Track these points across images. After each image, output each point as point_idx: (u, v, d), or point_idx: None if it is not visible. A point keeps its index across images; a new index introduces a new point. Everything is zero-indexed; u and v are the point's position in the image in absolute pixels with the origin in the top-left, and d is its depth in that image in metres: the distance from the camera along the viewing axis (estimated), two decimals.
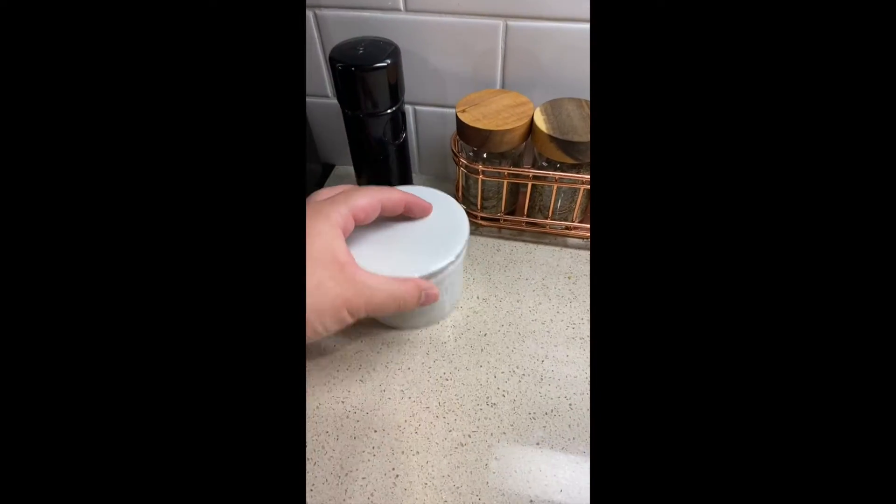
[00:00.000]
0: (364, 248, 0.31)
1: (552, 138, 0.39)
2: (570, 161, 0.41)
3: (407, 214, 0.33)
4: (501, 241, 0.49)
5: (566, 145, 0.39)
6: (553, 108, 0.42)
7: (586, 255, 0.47)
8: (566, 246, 0.48)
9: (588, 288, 0.44)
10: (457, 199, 0.49)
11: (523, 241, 0.49)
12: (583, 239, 0.48)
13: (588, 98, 0.43)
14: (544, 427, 0.35)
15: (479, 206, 0.47)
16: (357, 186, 0.33)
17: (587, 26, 0.41)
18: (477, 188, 0.46)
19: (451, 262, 0.32)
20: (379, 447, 0.34)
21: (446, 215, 0.34)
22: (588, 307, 0.42)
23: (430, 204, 0.34)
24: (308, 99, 0.52)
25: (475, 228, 0.50)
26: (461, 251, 0.32)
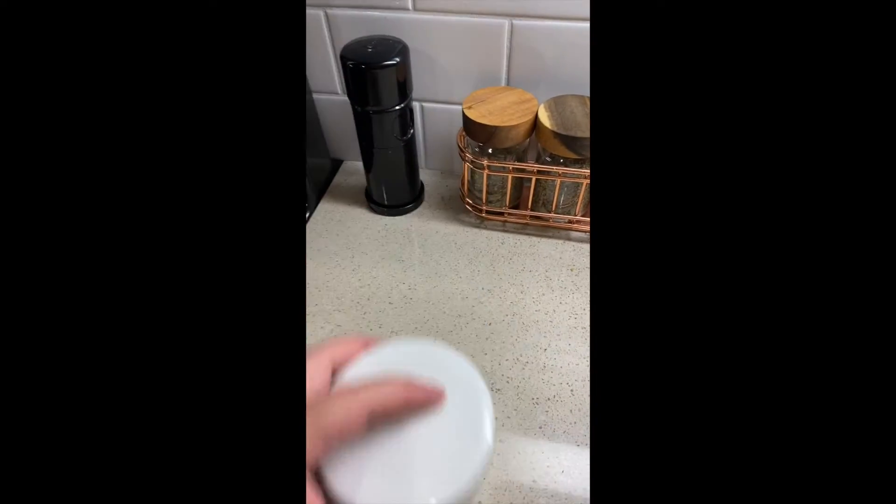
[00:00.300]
0: (347, 472, 0.21)
1: (556, 134, 0.41)
2: (573, 156, 0.42)
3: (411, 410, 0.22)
4: (506, 235, 0.50)
5: (569, 141, 0.41)
6: (557, 105, 0.43)
7: (589, 248, 0.48)
8: (569, 239, 0.49)
9: (588, 280, 0.45)
10: (462, 193, 0.51)
11: (527, 234, 0.50)
12: (585, 233, 0.49)
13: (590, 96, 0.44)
14: (547, 412, 0.36)
15: (484, 200, 0.49)
16: (342, 360, 0.23)
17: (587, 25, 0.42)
18: (482, 183, 0.47)
19: (472, 482, 0.21)
20: None
21: (463, 400, 0.23)
22: (590, 298, 0.44)
23: (439, 390, 0.22)
24: (318, 96, 0.54)
25: (480, 222, 0.51)
26: (485, 458, 0.21)
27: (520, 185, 0.50)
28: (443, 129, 0.53)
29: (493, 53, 0.46)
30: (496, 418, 0.36)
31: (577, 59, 0.44)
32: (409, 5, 0.44)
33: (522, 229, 0.50)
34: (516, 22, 0.43)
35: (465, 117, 0.43)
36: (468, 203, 0.50)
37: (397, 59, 0.40)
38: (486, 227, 0.51)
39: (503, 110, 0.43)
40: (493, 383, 0.38)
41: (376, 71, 0.40)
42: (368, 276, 0.47)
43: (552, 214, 0.48)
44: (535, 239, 0.49)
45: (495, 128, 0.42)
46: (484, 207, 0.49)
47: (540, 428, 0.35)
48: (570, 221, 0.48)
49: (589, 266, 0.47)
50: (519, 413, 0.36)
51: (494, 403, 0.37)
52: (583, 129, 0.41)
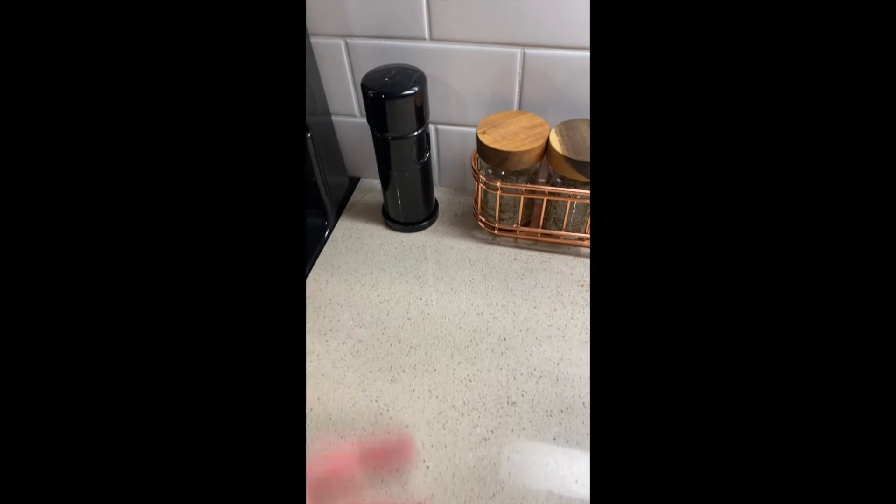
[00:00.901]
0: None
1: (567, 159, 0.43)
2: (583, 179, 0.44)
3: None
4: (518, 251, 0.52)
5: (580, 165, 0.43)
6: (567, 130, 0.45)
7: None
8: (579, 255, 0.51)
9: None
10: (475, 211, 0.53)
11: (538, 250, 0.52)
12: None
13: None
14: (560, 423, 0.38)
15: (496, 219, 0.51)
16: None
17: None
18: (495, 202, 0.49)
19: None
20: (410, 441, 0.38)
21: None
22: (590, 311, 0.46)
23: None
24: (337, 118, 0.56)
25: (492, 238, 0.53)
26: None
27: (531, 203, 0.52)
28: (456, 149, 0.56)
29: (506, 80, 0.48)
30: (512, 430, 0.38)
31: (586, 84, 0.46)
32: (426, 35, 0.46)
33: (534, 245, 0.53)
34: (529, 51, 0.45)
35: (479, 142, 0.46)
36: (481, 221, 0.52)
37: (415, 89, 0.43)
38: (498, 244, 0.53)
39: (515, 135, 0.45)
40: (508, 396, 0.40)
41: (395, 101, 0.43)
42: (387, 292, 0.49)
43: (563, 232, 0.50)
44: (546, 255, 0.52)
45: (509, 153, 0.44)
46: (496, 225, 0.51)
47: (554, 439, 0.37)
48: (580, 238, 0.50)
49: None
50: (534, 425, 0.38)
51: (510, 416, 0.39)
52: None
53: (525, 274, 0.50)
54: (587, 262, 0.51)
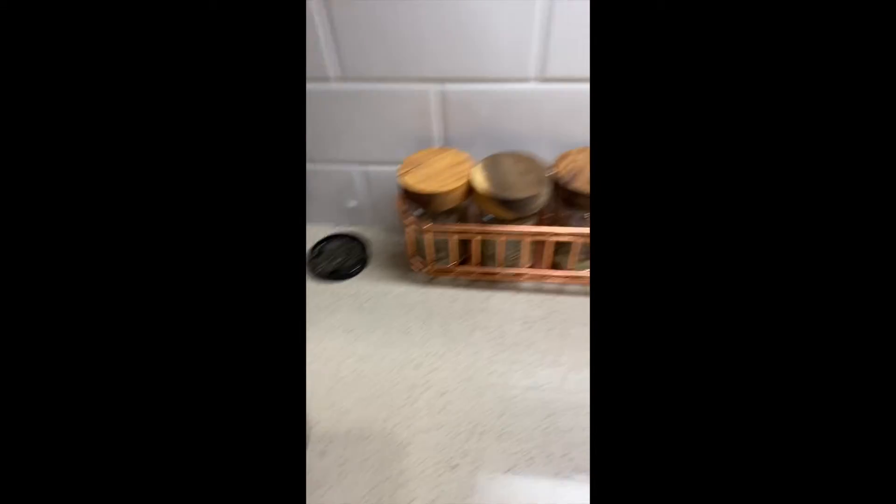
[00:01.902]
0: None
1: (491, 197, 0.41)
2: (510, 216, 0.42)
3: None
4: (458, 291, 0.49)
5: (505, 203, 0.41)
6: (492, 165, 0.43)
7: (539, 298, 0.48)
8: (519, 291, 0.49)
9: (541, 333, 0.45)
10: (408, 254, 0.50)
11: (479, 288, 0.50)
12: (534, 282, 0.49)
13: (525, 152, 0.45)
14: (505, 487, 0.35)
15: (429, 261, 0.48)
16: None
17: (523, 86, 0.42)
18: (428, 244, 0.46)
19: None
20: None
21: None
22: (542, 354, 0.43)
23: None
24: None
25: (430, 279, 0.51)
26: None
27: (466, 241, 0.49)
28: (386, 189, 0.53)
29: (423, 117, 0.45)
30: (454, 500, 0.35)
31: (510, 117, 0.45)
32: (330, 76, 0.44)
33: (473, 284, 0.50)
34: (448, 86, 0.43)
35: (401, 184, 0.43)
36: (414, 264, 0.50)
37: None
38: (437, 284, 0.50)
39: (439, 174, 0.43)
40: (449, 459, 0.37)
41: None
42: (317, 349, 0.45)
43: (499, 270, 0.47)
44: (486, 293, 0.49)
45: (432, 194, 0.41)
46: (432, 267, 0.48)
47: None
48: (517, 274, 0.48)
49: (541, 318, 0.46)
50: (477, 491, 0.35)
51: (451, 483, 0.35)
52: (518, 189, 0.41)
53: (465, 315, 0.47)
54: (528, 297, 0.48)
